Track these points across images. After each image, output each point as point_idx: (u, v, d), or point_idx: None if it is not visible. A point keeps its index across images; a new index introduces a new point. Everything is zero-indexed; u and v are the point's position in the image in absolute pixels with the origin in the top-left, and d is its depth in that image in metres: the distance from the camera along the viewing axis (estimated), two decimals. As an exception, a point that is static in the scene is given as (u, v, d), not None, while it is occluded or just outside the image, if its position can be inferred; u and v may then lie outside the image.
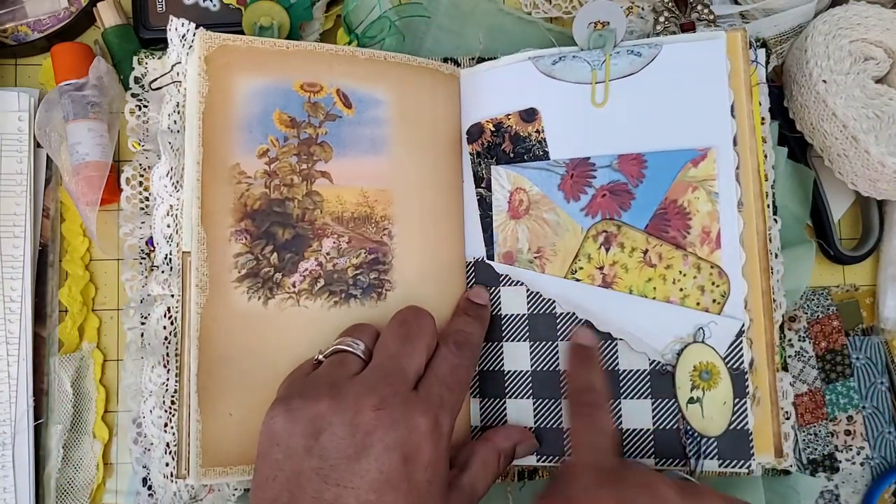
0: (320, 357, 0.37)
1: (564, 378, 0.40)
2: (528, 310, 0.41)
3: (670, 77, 0.40)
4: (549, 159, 0.41)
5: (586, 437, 0.36)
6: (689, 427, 0.38)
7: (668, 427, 0.39)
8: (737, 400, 0.38)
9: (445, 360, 0.37)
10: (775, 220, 0.42)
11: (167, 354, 0.40)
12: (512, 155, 0.42)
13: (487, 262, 0.42)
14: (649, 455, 0.39)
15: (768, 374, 0.39)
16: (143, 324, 0.41)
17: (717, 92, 0.39)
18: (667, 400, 0.39)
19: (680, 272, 0.39)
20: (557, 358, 0.40)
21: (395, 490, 0.31)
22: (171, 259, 0.40)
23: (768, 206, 0.41)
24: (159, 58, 0.42)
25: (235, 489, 0.40)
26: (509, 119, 0.42)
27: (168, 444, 0.39)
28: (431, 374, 0.36)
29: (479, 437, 0.40)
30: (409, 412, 0.33)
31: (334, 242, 0.40)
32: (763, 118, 0.42)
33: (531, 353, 0.41)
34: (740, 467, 0.38)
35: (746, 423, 0.38)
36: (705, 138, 0.39)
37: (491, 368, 0.42)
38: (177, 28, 0.39)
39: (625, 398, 0.39)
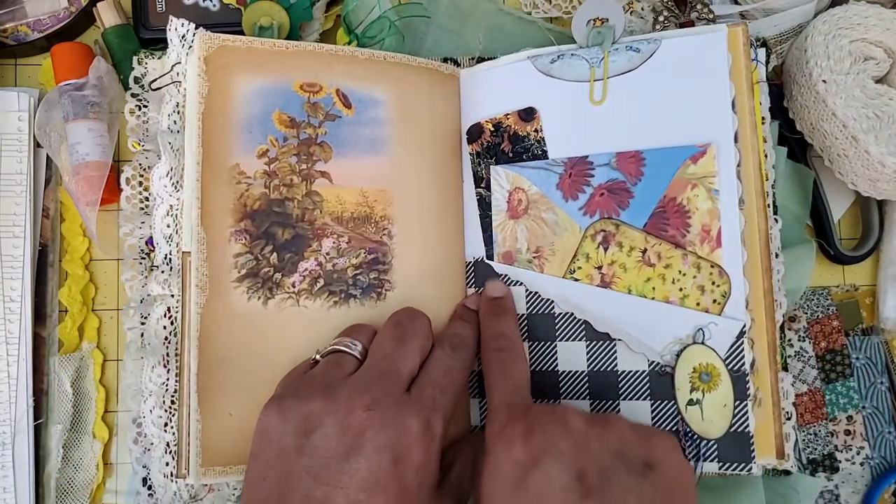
0: (317, 357, 0.37)
1: (563, 378, 0.40)
2: (528, 310, 0.41)
3: (669, 72, 0.39)
4: (547, 158, 0.41)
5: (499, 380, 0.36)
6: (688, 429, 0.38)
7: (667, 429, 0.38)
8: (737, 402, 0.37)
9: (440, 362, 0.37)
10: (776, 219, 0.41)
11: (167, 354, 0.40)
12: (511, 155, 0.42)
13: (487, 261, 0.42)
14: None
15: (770, 375, 0.38)
16: (143, 324, 0.41)
17: (717, 86, 0.39)
18: (666, 401, 0.38)
19: (679, 272, 0.39)
20: (556, 358, 0.40)
21: (385, 491, 0.31)
22: (171, 259, 0.40)
23: (768, 205, 0.41)
24: (159, 58, 0.42)
25: (235, 489, 0.40)
26: (508, 119, 0.42)
27: (168, 444, 0.39)
28: (425, 375, 0.36)
29: (466, 436, 0.40)
30: (401, 414, 0.33)
31: (334, 242, 0.40)
32: (763, 118, 0.42)
33: (529, 354, 0.41)
34: (741, 470, 0.38)
35: (747, 425, 0.37)
36: (705, 134, 0.39)
37: (490, 368, 0.42)
38: (176, 28, 0.40)
39: (623, 399, 0.39)
